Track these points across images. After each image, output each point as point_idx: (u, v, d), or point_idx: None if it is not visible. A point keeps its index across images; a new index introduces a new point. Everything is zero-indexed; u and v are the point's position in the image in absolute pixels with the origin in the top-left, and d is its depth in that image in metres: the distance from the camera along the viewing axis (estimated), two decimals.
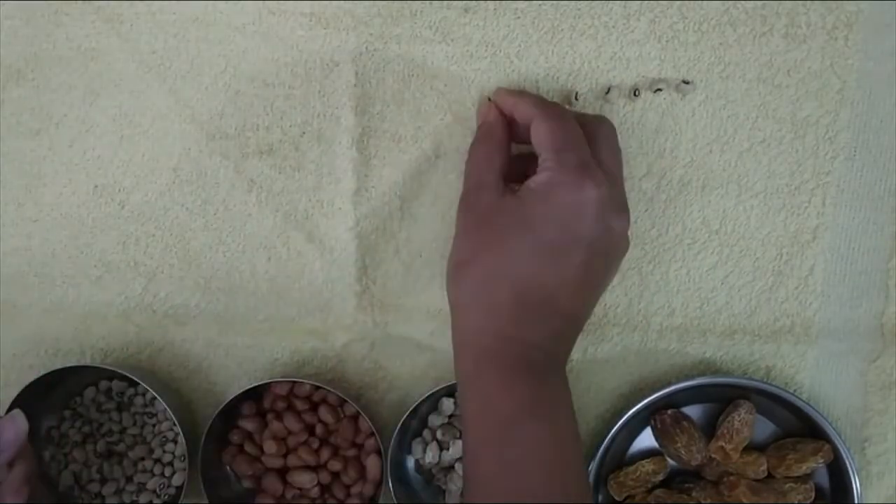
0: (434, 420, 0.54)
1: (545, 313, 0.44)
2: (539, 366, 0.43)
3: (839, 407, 0.54)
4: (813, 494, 0.52)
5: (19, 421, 0.46)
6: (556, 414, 0.43)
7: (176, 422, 0.51)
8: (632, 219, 0.52)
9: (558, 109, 0.46)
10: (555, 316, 0.44)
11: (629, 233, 0.46)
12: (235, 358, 0.55)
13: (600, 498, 0.54)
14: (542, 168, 0.44)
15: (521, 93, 0.49)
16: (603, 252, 0.44)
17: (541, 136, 0.45)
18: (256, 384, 0.52)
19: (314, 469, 0.54)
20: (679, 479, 0.54)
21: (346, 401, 0.53)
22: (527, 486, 0.41)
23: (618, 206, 0.45)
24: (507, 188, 0.45)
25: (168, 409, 0.51)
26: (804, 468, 0.52)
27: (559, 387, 0.44)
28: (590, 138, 0.45)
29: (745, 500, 0.51)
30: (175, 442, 0.55)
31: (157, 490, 0.54)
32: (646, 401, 0.52)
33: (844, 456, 0.51)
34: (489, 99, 0.49)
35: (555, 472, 0.42)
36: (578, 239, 0.43)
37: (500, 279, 0.43)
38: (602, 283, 0.46)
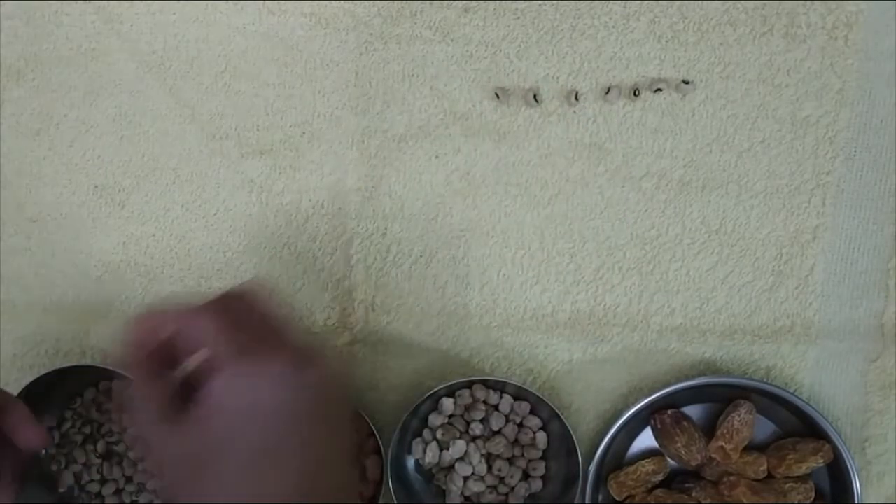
0: (434, 420, 0.54)
1: None
2: None
3: (839, 407, 0.54)
4: (813, 494, 0.52)
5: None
6: None
7: None
8: (632, 219, 0.52)
9: (199, 307, 0.38)
10: None
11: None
12: None
13: (600, 498, 0.54)
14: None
15: (158, 310, 0.38)
16: (320, 417, 0.36)
17: (205, 341, 0.37)
18: None
19: None
20: (679, 479, 0.54)
21: None
22: None
23: (303, 361, 0.36)
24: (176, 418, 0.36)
25: None
26: (804, 468, 0.52)
27: None
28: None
29: (745, 500, 0.51)
30: None
31: (157, 490, 0.54)
32: (646, 401, 0.52)
33: (844, 456, 0.51)
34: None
35: None
36: (288, 428, 0.35)
37: None
38: (351, 433, 0.38)
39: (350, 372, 0.43)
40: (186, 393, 0.36)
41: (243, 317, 0.38)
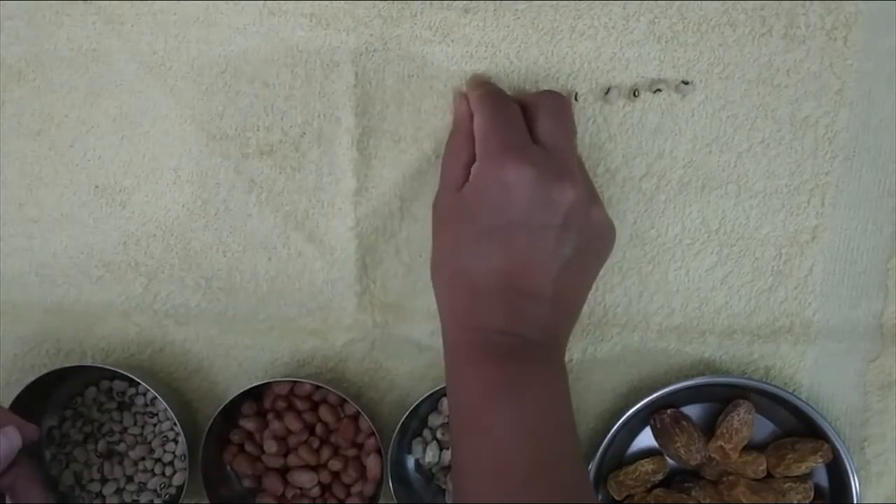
0: (434, 420, 0.54)
1: (509, 299, 0.44)
2: (503, 350, 0.43)
3: (838, 407, 0.54)
4: (812, 494, 0.52)
5: (13, 437, 0.46)
6: (522, 398, 0.42)
7: (176, 421, 0.52)
8: (631, 219, 0.52)
9: (494, 98, 0.47)
10: (517, 299, 0.44)
11: (594, 209, 0.45)
12: (236, 358, 0.55)
13: (600, 498, 0.54)
14: (476, 158, 0.45)
15: (480, 84, 0.49)
16: (552, 226, 0.43)
17: (475, 129, 0.46)
18: (257, 384, 0.52)
19: (314, 469, 0.54)
20: (679, 479, 0.54)
21: (346, 400, 0.53)
22: (490, 474, 0.41)
23: (557, 175, 0.43)
24: (466, 182, 0.46)
25: (169, 409, 0.51)
26: (803, 468, 0.52)
27: (532, 370, 0.43)
28: (531, 115, 0.46)
29: (744, 500, 0.51)
30: (176, 442, 0.55)
31: (158, 490, 0.55)
32: (645, 401, 0.52)
33: (844, 456, 0.51)
34: (463, 91, 0.50)
35: (517, 458, 0.41)
36: (514, 219, 0.43)
37: (459, 273, 0.45)
38: (571, 258, 0.44)
39: (606, 222, 0.47)
40: None
41: (539, 123, 0.45)
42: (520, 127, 0.45)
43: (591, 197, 0.46)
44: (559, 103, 0.47)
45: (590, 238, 0.45)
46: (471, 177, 0.45)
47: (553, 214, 0.43)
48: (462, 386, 0.44)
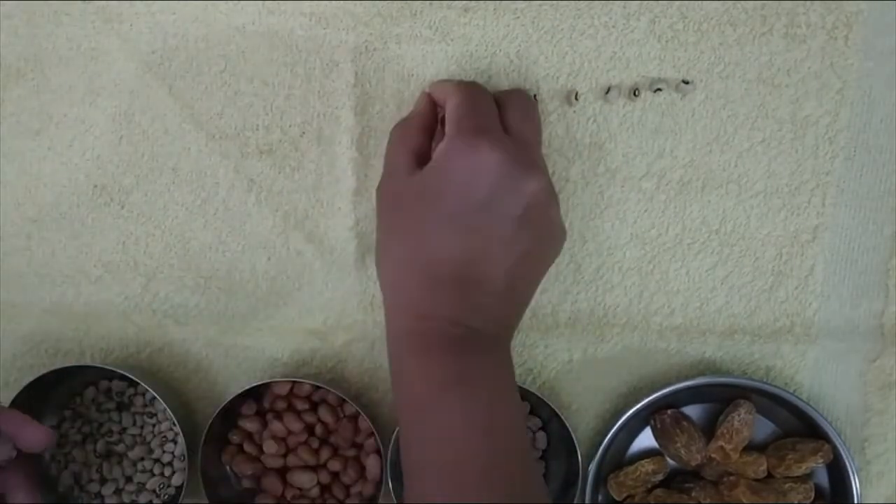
0: None
1: (462, 288, 0.43)
2: (452, 341, 0.43)
3: (839, 407, 0.54)
4: (813, 494, 0.52)
5: (2, 449, 0.47)
6: (472, 391, 0.42)
7: (176, 422, 0.51)
8: (632, 219, 0.52)
9: (472, 85, 0.47)
10: (474, 290, 0.43)
11: (559, 209, 0.45)
12: (235, 358, 0.55)
13: (600, 498, 0.54)
14: (444, 139, 0.44)
15: (450, 80, 0.50)
16: (513, 215, 0.43)
17: (448, 110, 0.45)
18: (256, 384, 0.52)
19: (314, 469, 0.54)
20: (679, 479, 0.54)
21: (345, 401, 0.53)
22: (442, 471, 0.40)
23: (526, 165, 0.43)
24: (417, 169, 0.45)
25: (168, 409, 0.51)
26: (804, 468, 0.52)
27: (481, 362, 0.43)
28: (501, 107, 0.46)
29: (744, 500, 0.51)
30: (175, 442, 0.55)
31: (157, 490, 0.54)
32: (646, 401, 0.52)
33: (844, 456, 0.51)
34: (426, 90, 0.50)
35: (470, 453, 0.40)
36: (478, 203, 0.42)
37: (412, 260, 0.44)
38: (525, 251, 0.44)
39: (560, 225, 0.46)
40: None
41: (509, 116, 0.45)
42: (495, 115, 0.45)
43: (552, 197, 0.45)
44: (528, 101, 0.48)
45: (544, 235, 0.45)
46: (435, 158, 0.44)
47: (516, 203, 0.43)
48: (409, 378, 0.43)
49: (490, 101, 0.46)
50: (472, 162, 0.42)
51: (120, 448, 0.55)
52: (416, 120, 0.48)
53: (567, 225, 0.52)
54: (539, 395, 0.52)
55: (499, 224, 0.43)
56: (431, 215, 0.43)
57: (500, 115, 0.46)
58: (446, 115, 0.45)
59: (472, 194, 0.42)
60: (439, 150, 0.44)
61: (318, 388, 0.53)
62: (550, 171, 0.52)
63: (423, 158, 0.45)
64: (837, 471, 0.52)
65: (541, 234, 0.44)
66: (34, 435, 0.47)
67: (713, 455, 0.52)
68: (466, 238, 0.43)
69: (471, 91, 0.46)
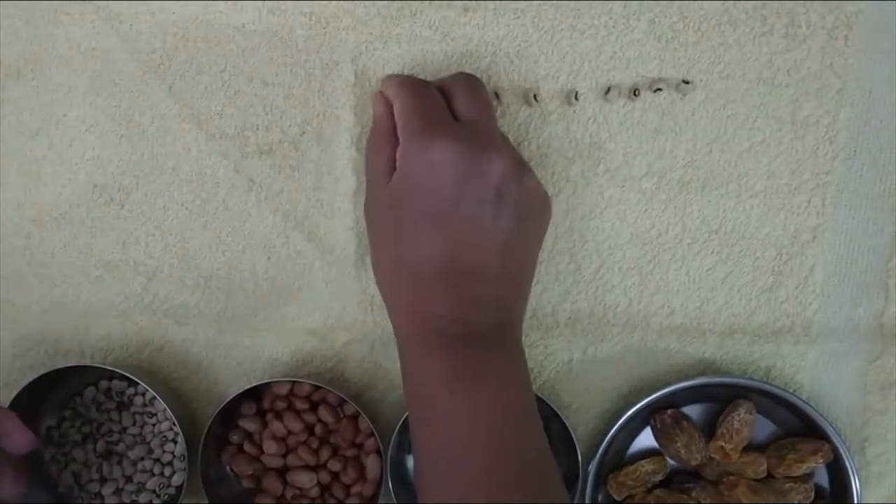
0: None
1: (454, 283, 0.43)
2: (454, 339, 0.43)
3: (839, 407, 0.54)
4: (813, 494, 0.52)
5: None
6: (477, 387, 0.42)
7: (176, 421, 0.51)
8: (632, 218, 0.52)
9: (412, 83, 0.47)
10: (471, 282, 0.43)
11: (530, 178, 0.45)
12: (235, 358, 0.55)
13: (600, 498, 0.54)
14: (399, 144, 0.45)
15: (393, 78, 0.49)
16: (486, 198, 0.43)
17: (396, 115, 0.46)
18: (256, 384, 0.52)
19: (314, 469, 0.54)
20: (679, 479, 0.54)
21: (345, 401, 0.53)
22: (449, 468, 0.41)
23: (482, 147, 0.43)
24: (390, 177, 0.45)
25: (168, 409, 0.51)
26: (804, 468, 0.52)
27: (486, 357, 0.43)
28: (448, 96, 0.46)
29: (744, 500, 0.51)
30: (175, 442, 0.55)
31: (157, 490, 0.54)
32: (646, 401, 0.52)
33: (844, 456, 0.51)
34: (378, 90, 0.50)
35: (475, 449, 0.41)
36: (446, 198, 0.43)
37: (400, 265, 0.44)
38: (512, 229, 0.44)
39: (539, 189, 0.46)
40: None
41: (456, 102, 0.46)
42: (440, 107, 0.45)
43: (521, 166, 0.45)
44: (473, 80, 0.47)
45: (525, 207, 0.45)
46: (397, 165, 0.44)
47: (485, 187, 0.43)
48: (415, 377, 0.44)
49: (434, 95, 0.46)
50: (429, 161, 0.43)
51: (120, 448, 0.55)
52: (378, 130, 0.48)
53: (567, 225, 0.52)
54: (539, 395, 0.52)
55: (473, 212, 0.43)
56: (406, 219, 0.44)
57: (447, 104, 0.46)
58: (397, 120, 0.46)
59: (439, 191, 0.43)
60: (398, 156, 0.45)
61: (317, 387, 0.53)
62: (550, 171, 0.52)
63: (394, 165, 0.46)
64: (837, 471, 0.52)
65: (521, 207, 0.44)
66: (20, 438, 0.47)
67: (713, 455, 0.52)
68: (444, 233, 0.43)
69: (413, 90, 0.46)
